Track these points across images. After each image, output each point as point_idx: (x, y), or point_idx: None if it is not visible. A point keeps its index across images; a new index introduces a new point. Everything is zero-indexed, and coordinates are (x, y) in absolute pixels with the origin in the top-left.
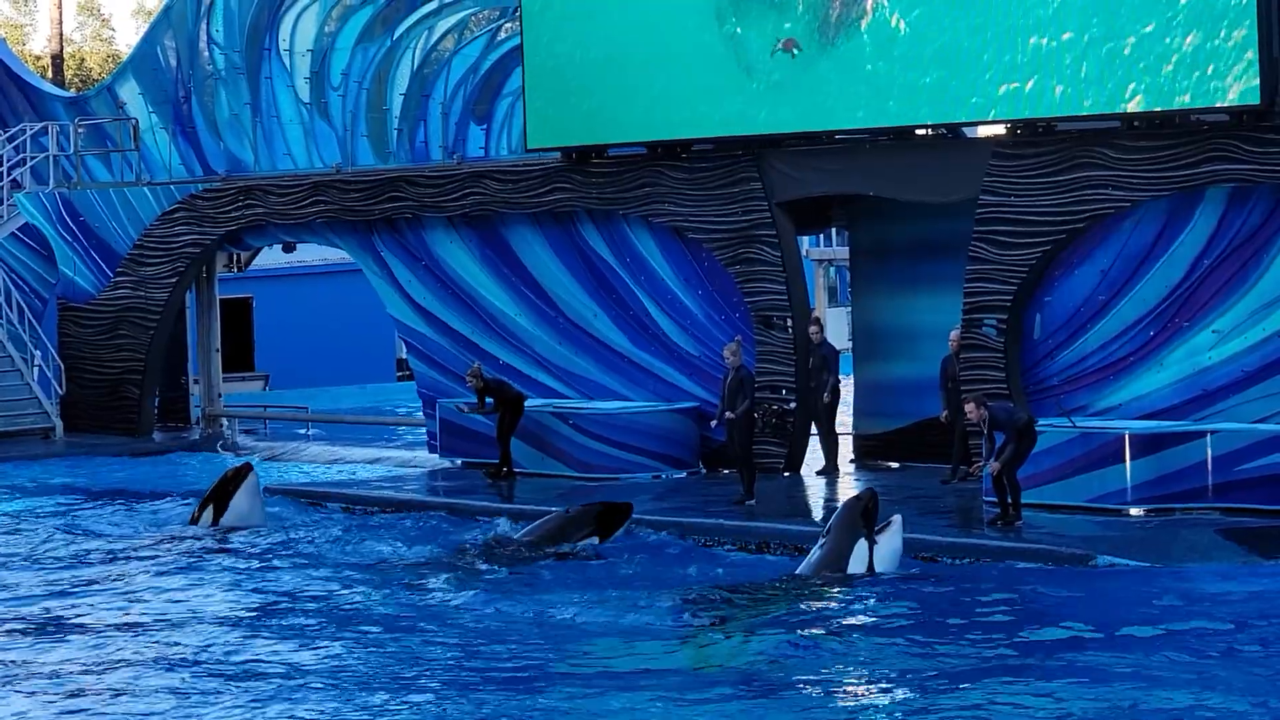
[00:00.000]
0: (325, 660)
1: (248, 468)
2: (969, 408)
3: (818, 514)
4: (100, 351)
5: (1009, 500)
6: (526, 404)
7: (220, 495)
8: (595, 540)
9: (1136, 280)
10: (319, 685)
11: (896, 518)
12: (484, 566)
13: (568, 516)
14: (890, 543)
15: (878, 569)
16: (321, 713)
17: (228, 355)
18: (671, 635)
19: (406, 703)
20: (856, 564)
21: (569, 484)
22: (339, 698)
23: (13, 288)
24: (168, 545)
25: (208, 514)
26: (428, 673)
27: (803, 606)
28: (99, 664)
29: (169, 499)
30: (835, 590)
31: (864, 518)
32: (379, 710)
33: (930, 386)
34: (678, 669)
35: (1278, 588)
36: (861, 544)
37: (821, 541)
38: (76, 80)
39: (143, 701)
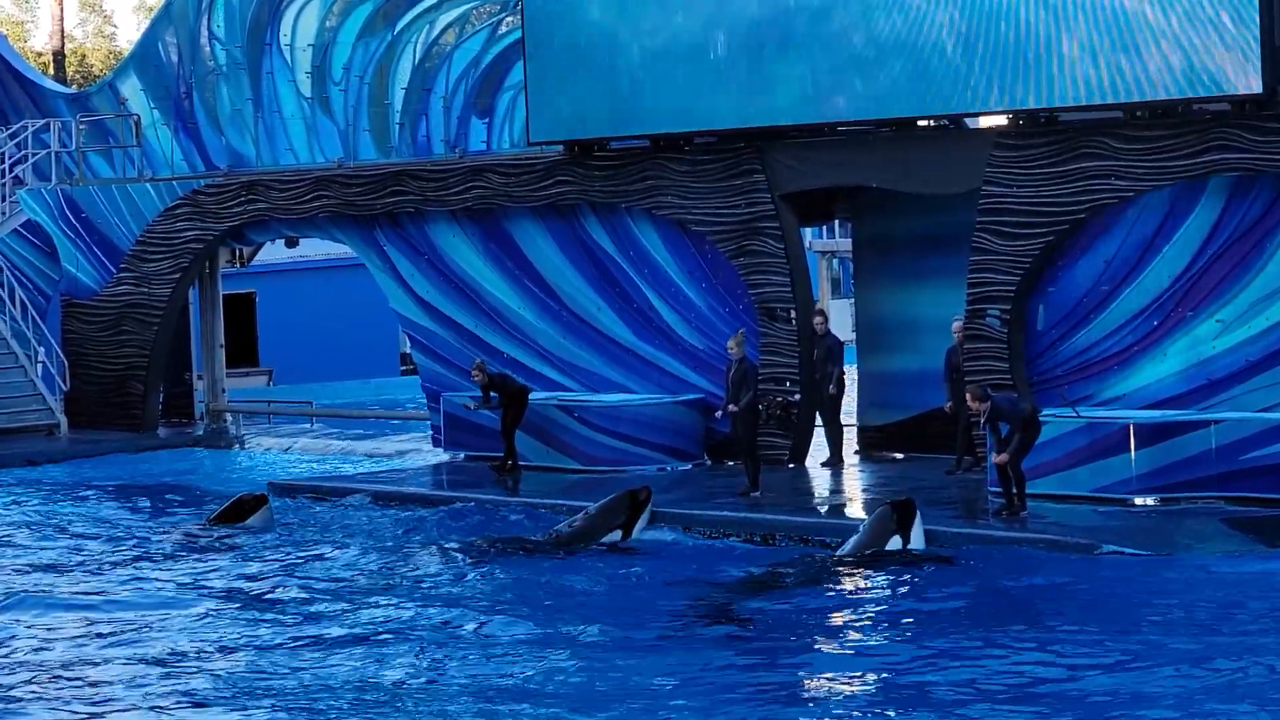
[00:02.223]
0: (331, 655)
1: (264, 499)
2: (968, 398)
3: (823, 506)
4: (104, 348)
5: (1014, 491)
6: (531, 397)
7: (233, 517)
8: (618, 535)
9: (1140, 270)
10: (330, 681)
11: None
12: (502, 561)
13: (593, 514)
14: (916, 535)
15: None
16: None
17: (231, 351)
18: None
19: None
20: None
21: (574, 477)
22: (349, 690)
23: (16, 284)
24: (179, 543)
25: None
26: (436, 664)
27: (826, 588)
28: (112, 657)
29: (174, 495)
30: (864, 569)
31: (899, 520)
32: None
33: (933, 378)
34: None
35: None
36: (895, 539)
37: (855, 537)
38: (78, 77)
39: (153, 694)
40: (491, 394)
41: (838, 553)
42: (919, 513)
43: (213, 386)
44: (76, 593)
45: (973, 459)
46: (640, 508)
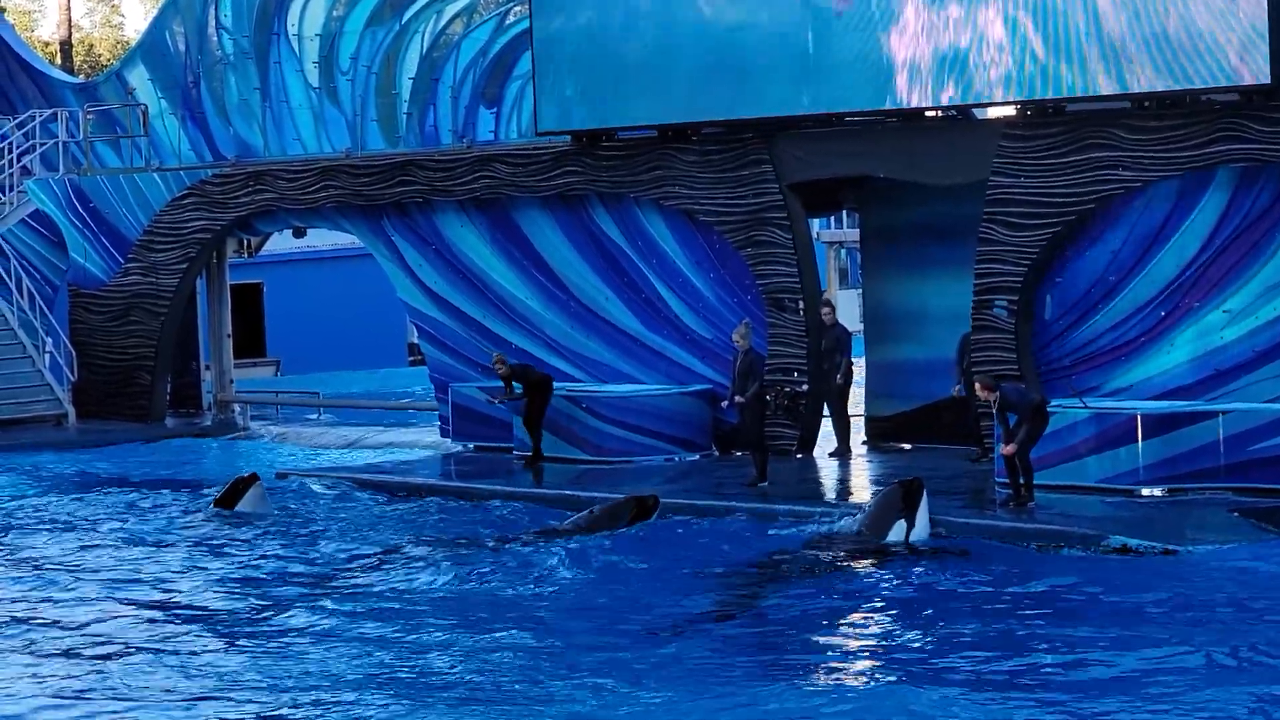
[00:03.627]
0: (338, 647)
1: (254, 477)
2: (978, 388)
3: (830, 495)
4: (112, 338)
5: (1021, 482)
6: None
7: (228, 500)
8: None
9: (1147, 261)
10: (334, 670)
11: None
12: (509, 552)
13: (594, 516)
14: (921, 518)
15: (914, 542)
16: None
17: (239, 341)
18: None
19: (424, 686)
20: (893, 539)
21: (582, 468)
22: (359, 683)
23: (24, 274)
24: (183, 532)
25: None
26: (442, 658)
27: (833, 579)
28: (119, 645)
29: (178, 486)
30: (869, 560)
31: (905, 501)
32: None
33: (941, 368)
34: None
35: None
36: (900, 523)
37: (860, 516)
38: (85, 66)
39: (160, 681)
40: (514, 385)
41: (842, 525)
42: (925, 495)
43: (220, 377)
44: (77, 581)
45: (980, 450)
46: (646, 515)
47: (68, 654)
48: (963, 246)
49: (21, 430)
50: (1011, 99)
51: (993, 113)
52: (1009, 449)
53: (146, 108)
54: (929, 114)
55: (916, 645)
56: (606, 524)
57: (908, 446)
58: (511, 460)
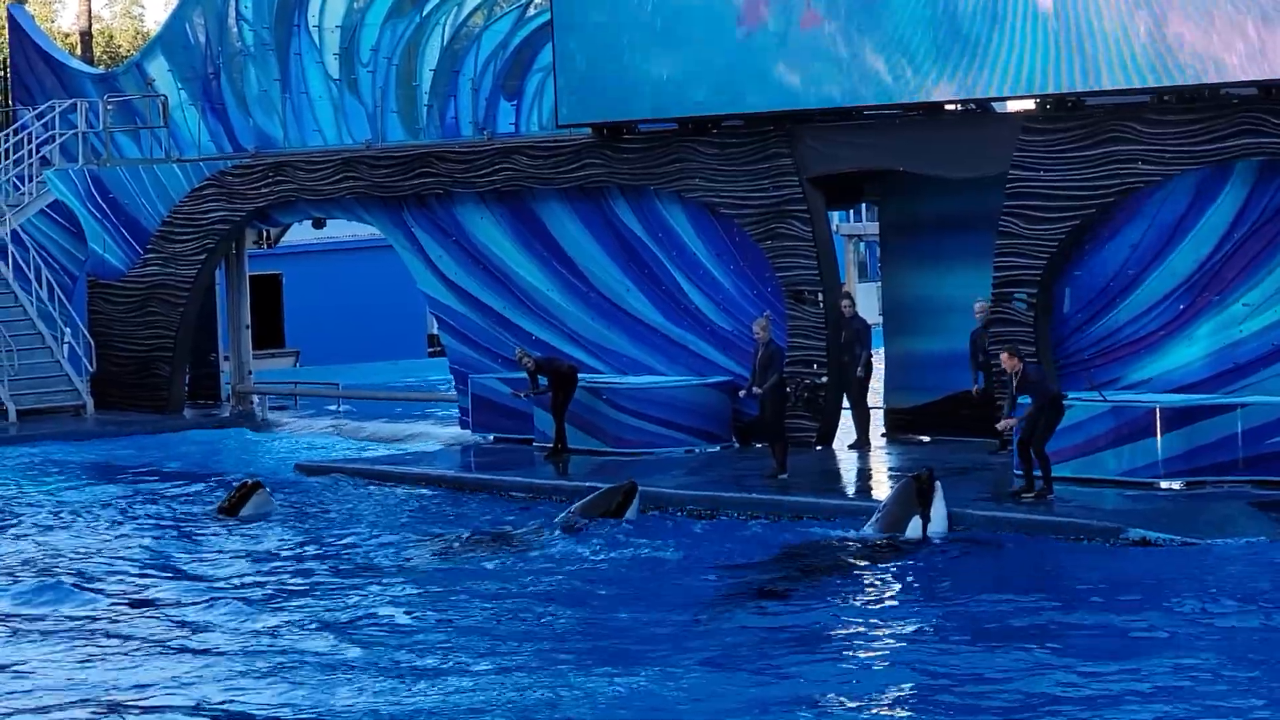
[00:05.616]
0: (348, 642)
1: (257, 485)
2: (1003, 357)
3: (850, 488)
4: (130, 329)
5: (1036, 473)
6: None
7: (233, 508)
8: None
9: (1166, 254)
10: (350, 663)
11: (937, 483)
12: (516, 546)
13: (575, 510)
14: (937, 510)
15: (930, 536)
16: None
17: (258, 332)
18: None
19: (438, 680)
20: (910, 535)
21: (603, 459)
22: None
23: (43, 265)
24: (190, 528)
25: None
26: (456, 653)
27: (853, 573)
28: (132, 643)
29: (194, 478)
30: (887, 556)
31: (920, 494)
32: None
33: (960, 360)
34: (719, 639)
35: None
36: (916, 520)
37: (876, 516)
38: (105, 57)
39: (174, 681)
40: (540, 379)
41: (861, 531)
42: (940, 486)
43: (239, 368)
44: (80, 580)
45: (1000, 442)
46: (630, 499)
47: (74, 651)
48: (982, 240)
49: (40, 421)
50: (1031, 93)
51: (1012, 106)
52: (1008, 423)
53: (166, 99)
54: (949, 107)
55: (923, 643)
56: (596, 511)
57: (927, 439)
58: (532, 451)
